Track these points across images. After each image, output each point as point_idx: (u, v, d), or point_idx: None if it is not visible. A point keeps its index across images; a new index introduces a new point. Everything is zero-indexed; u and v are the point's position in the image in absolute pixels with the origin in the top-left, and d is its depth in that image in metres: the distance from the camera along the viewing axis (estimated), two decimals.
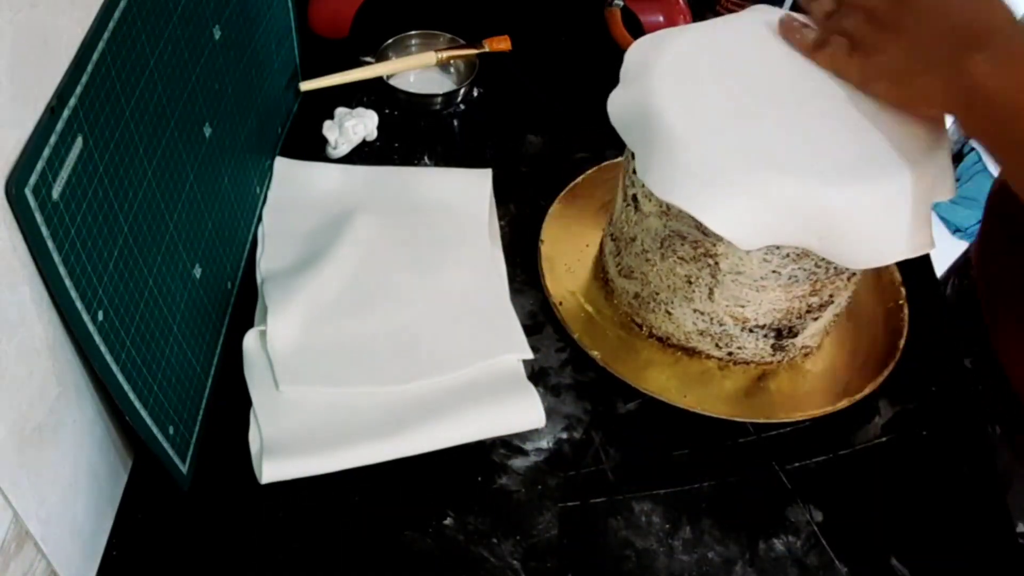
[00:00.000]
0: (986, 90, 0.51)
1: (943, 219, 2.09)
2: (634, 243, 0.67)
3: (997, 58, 0.50)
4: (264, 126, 0.77)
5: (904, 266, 0.75)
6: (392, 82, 0.87)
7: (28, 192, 0.42)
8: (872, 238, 0.55)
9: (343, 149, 0.82)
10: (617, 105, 0.62)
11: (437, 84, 0.90)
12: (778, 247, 0.58)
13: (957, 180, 2.10)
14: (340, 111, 0.84)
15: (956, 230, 2.06)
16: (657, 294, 0.67)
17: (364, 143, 0.83)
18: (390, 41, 0.92)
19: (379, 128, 0.84)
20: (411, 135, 0.84)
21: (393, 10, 0.96)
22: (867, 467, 0.62)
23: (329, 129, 0.82)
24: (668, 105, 0.58)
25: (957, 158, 2.14)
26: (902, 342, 0.69)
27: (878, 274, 0.74)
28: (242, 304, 0.70)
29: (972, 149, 2.08)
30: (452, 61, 0.91)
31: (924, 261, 0.76)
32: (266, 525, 0.58)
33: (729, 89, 0.60)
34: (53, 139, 0.44)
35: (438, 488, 0.60)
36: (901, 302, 0.72)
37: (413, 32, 0.93)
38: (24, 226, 0.43)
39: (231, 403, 0.64)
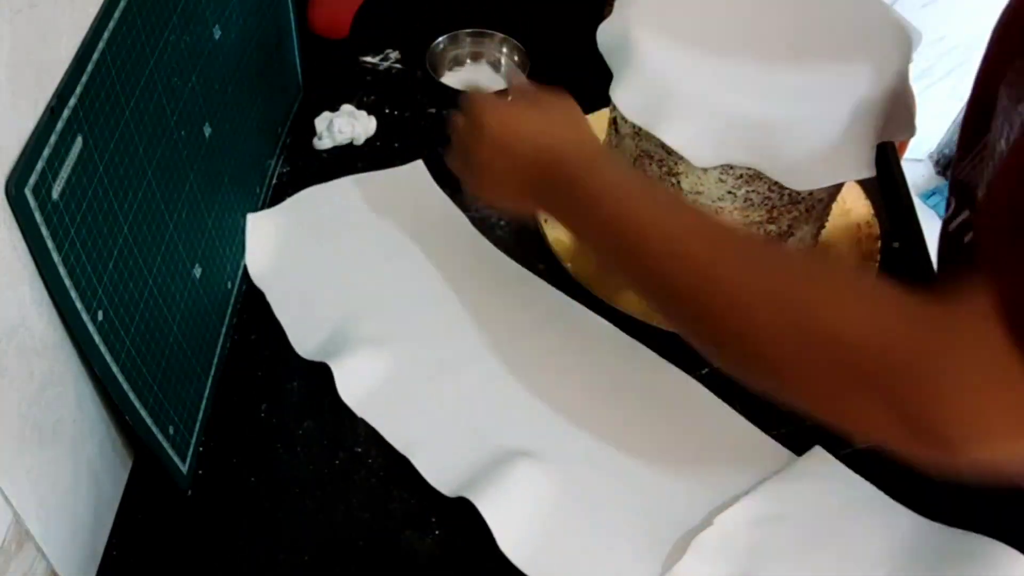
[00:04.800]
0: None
1: (942, 217, 2.08)
2: None
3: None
4: (264, 126, 0.77)
5: (902, 262, 0.75)
6: (444, 80, 0.88)
7: (28, 192, 0.42)
8: (812, 160, 0.59)
9: (325, 143, 0.82)
10: (604, 31, 0.67)
11: (487, 83, 0.90)
12: (731, 167, 0.61)
13: None
14: (345, 108, 0.84)
15: None
16: None
17: (366, 143, 0.83)
18: (441, 40, 0.91)
19: (379, 128, 0.84)
20: (411, 135, 0.84)
21: (393, 10, 0.96)
22: (867, 466, 0.62)
23: (320, 119, 0.83)
24: (642, 30, 0.62)
25: None
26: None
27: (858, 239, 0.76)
28: (242, 304, 0.70)
29: None
30: (504, 60, 0.92)
31: (923, 258, 0.76)
32: (266, 525, 0.58)
33: (703, 18, 0.64)
34: (53, 139, 0.44)
35: None
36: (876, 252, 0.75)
37: (465, 31, 0.92)
38: (24, 226, 0.43)
39: (231, 403, 0.64)
